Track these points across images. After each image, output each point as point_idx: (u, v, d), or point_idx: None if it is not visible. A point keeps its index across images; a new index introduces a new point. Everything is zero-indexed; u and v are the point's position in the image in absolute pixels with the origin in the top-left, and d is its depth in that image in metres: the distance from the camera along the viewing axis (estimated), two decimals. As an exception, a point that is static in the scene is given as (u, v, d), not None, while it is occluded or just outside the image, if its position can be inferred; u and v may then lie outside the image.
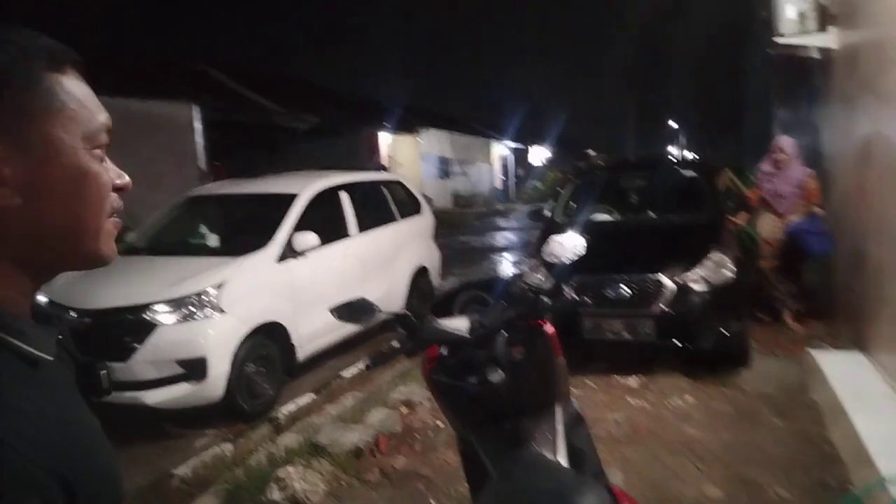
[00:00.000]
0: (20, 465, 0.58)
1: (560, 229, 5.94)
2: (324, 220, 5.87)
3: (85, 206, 0.70)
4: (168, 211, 5.83)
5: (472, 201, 25.74)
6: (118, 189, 0.75)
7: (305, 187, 5.60)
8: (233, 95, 15.91)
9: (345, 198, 5.98)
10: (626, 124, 45.46)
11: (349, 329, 5.72)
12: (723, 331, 4.52)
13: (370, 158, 19.91)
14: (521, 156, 34.79)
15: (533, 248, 5.46)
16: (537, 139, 35.81)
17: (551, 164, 35.63)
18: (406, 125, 22.04)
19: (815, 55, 5.80)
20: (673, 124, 51.54)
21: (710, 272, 4.63)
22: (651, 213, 5.82)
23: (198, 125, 12.65)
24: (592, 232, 5.71)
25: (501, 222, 20.86)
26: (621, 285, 4.65)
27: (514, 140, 33.08)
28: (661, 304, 4.54)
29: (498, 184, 31.92)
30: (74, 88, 0.70)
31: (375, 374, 5.28)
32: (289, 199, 5.39)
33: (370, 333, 6.16)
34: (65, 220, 0.69)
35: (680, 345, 4.53)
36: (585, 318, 4.70)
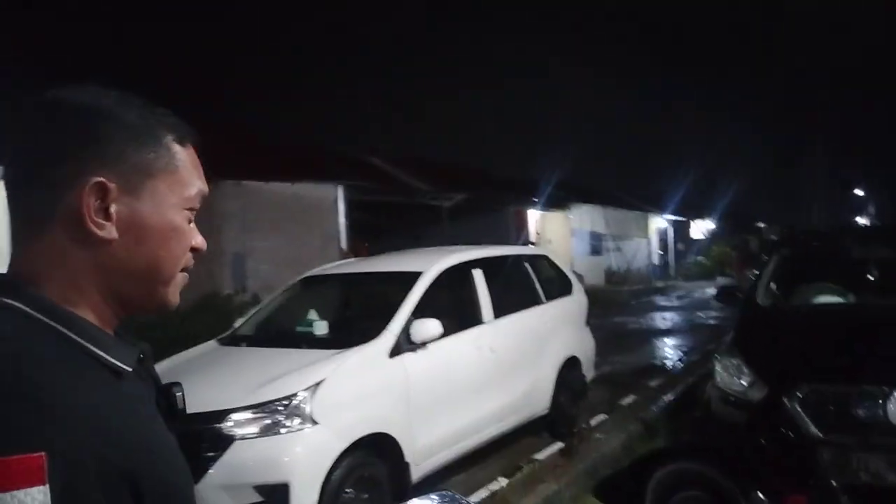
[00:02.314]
0: (89, 459, 0.63)
1: (765, 315, 4.46)
2: (453, 303, 4.87)
3: (167, 255, 0.80)
4: (280, 294, 5.15)
5: (626, 278, 23.85)
6: (194, 249, 0.84)
7: (431, 264, 4.66)
8: (379, 175, 15.98)
9: (479, 276, 4.96)
10: (801, 194, 41.02)
11: (480, 437, 4.57)
12: None
13: (518, 235, 19.15)
14: (681, 229, 32.25)
15: (730, 343, 4.00)
16: (699, 212, 33.17)
17: (715, 237, 32.69)
18: (556, 201, 21.08)
19: None
20: (859, 192, 45.87)
21: None
22: None
23: (341, 205, 12.55)
24: (820, 320, 4.20)
25: (661, 300, 18.84)
26: (883, 400, 3.08)
27: (674, 213, 30.78)
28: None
29: (656, 259, 29.60)
30: (187, 159, 0.83)
31: (513, 501, 4.03)
32: (411, 279, 4.47)
33: (506, 441, 4.96)
34: (148, 263, 0.79)
35: None
36: (824, 450, 3.15)
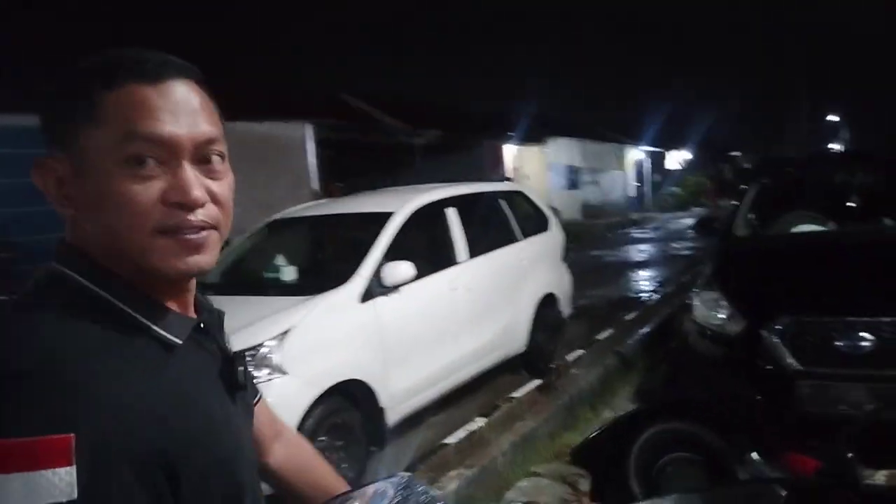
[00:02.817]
0: (120, 441, 0.62)
1: (743, 246, 4.38)
2: (426, 244, 4.71)
3: (118, 223, 0.71)
4: (245, 239, 4.94)
5: (603, 212, 23.88)
6: (178, 204, 0.72)
7: (403, 204, 4.47)
8: (350, 112, 15.49)
9: (452, 216, 4.79)
10: (775, 124, 40.97)
11: (457, 377, 4.52)
12: None
13: (494, 171, 18.88)
14: (657, 160, 32.20)
15: (708, 276, 3.91)
16: (675, 142, 33.04)
17: (691, 168, 32.72)
18: (532, 135, 20.76)
19: None
20: (833, 118, 45.98)
21: None
22: (892, 221, 4.06)
23: (311, 144, 12.17)
24: (799, 250, 4.12)
25: (637, 233, 18.92)
26: (865, 333, 3.03)
27: (650, 144, 30.61)
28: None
29: (632, 192, 29.63)
30: (121, 101, 0.71)
31: (491, 439, 4.00)
32: (381, 220, 4.28)
33: (483, 380, 4.92)
34: (109, 235, 0.72)
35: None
36: (803, 382, 3.12)
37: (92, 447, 0.60)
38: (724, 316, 3.52)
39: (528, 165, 21.05)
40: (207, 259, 0.76)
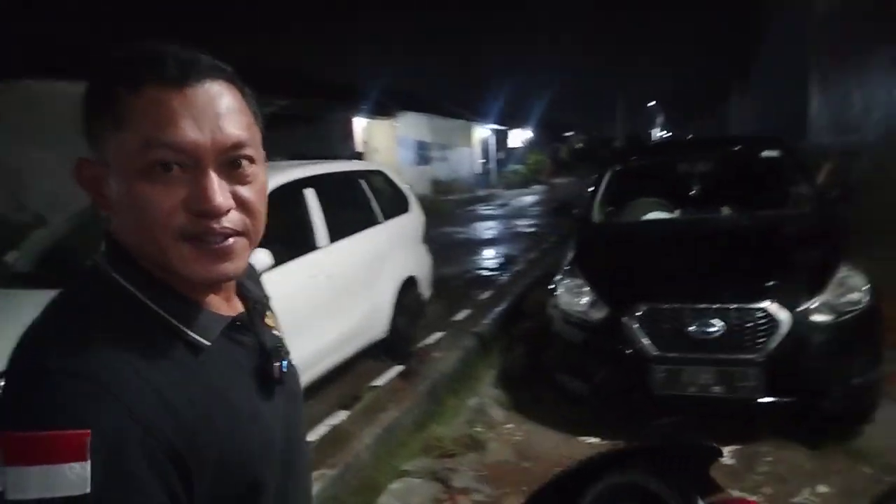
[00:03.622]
0: (136, 438, 0.63)
1: (601, 233, 4.55)
2: (284, 228, 4.36)
3: (140, 227, 0.72)
4: (68, 220, 4.27)
5: (452, 188, 24.31)
6: (201, 212, 0.71)
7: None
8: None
9: (311, 197, 4.48)
10: (608, 106, 44.20)
11: (319, 368, 4.28)
12: (857, 380, 3.16)
13: (344, 144, 18.39)
14: (502, 138, 33.36)
15: (570, 262, 4.00)
16: (518, 121, 34.43)
17: (532, 146, 34.32)
18: (382, 109, 20.45)
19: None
20: (653, 104, 50.52)
21: (838, 296, 3.24)
22: (729, 209, 4.40)
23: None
24: (652, 237, 4.34)
25: (484, 209, 19.49)
26: (712, 319, 3.24)
27: (495, 122, 31.59)
28: (772, 346, 3.14)
29: (479, 168, 30.48)
30: (144, 105, 0.70)
31: (354, 433, 3.84)
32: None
33: (344, 368, 4.73)
34: (135, 238, 0.74)
35: (799, 403, 3.16)
36: (657, 366, 3.29)
37: (107, 444, 0.62)
38: (586, 302, 3.62)
39: (378, 139, 20.77)
40: (233, 267, 0.75)
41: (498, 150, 32.89)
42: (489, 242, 12.53)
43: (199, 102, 0.71)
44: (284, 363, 0.85)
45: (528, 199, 22.14)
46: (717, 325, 3.22)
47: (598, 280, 3.65)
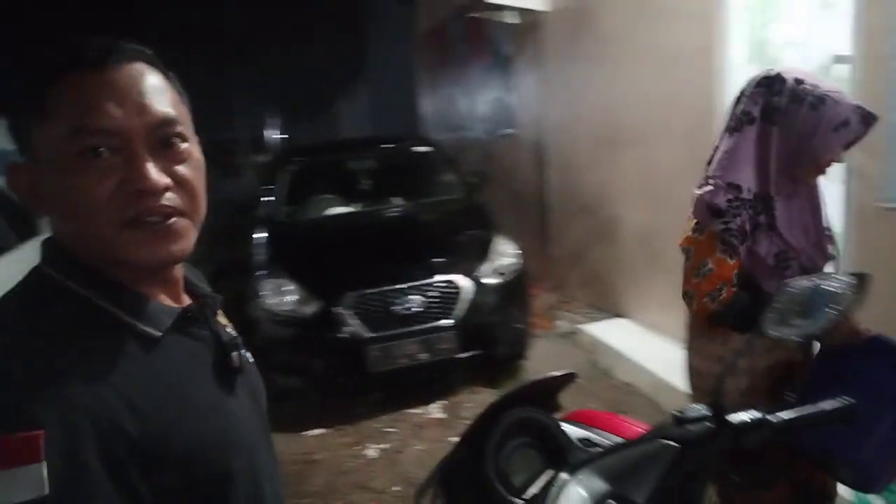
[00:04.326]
0: (90, 435, 0.61)
1: (291, 232, 4.57)
2: None
3: (74, 218, 0.70)
4: None
5: None
6: (138, 193, 0.69)
7: None
8: None
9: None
10: (225, 109, 42.96)
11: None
12: (518, 326, 3.96)
13: None
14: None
15: (267, 264, 3.98)
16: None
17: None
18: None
19: (512, 19, 5.61)
20: (267, 104, 50.91)
21: (501, 263, 3.97)
22: (399, 199, 4.89)
23: None
24: (341, 231, 4.54)
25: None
26: (411, 296, 3.65)
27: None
28: (461, 311, 3.70)
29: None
30: (66, 91, 0.68)
31: None
32: None
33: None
34: (76, 232, 0.71)
35: (485, 354, 3.79)
36: (370, 347, 3.57)
37: (61, 443, 0.60)
38: (294, 300, 3.68)
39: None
40: (179, 248, 0.73)
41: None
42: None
43: (122, 84, 0.70)
44: (244, 353, 0.85)
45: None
46: (416, 301, 3.65)
47: (302, 277, 3.74)
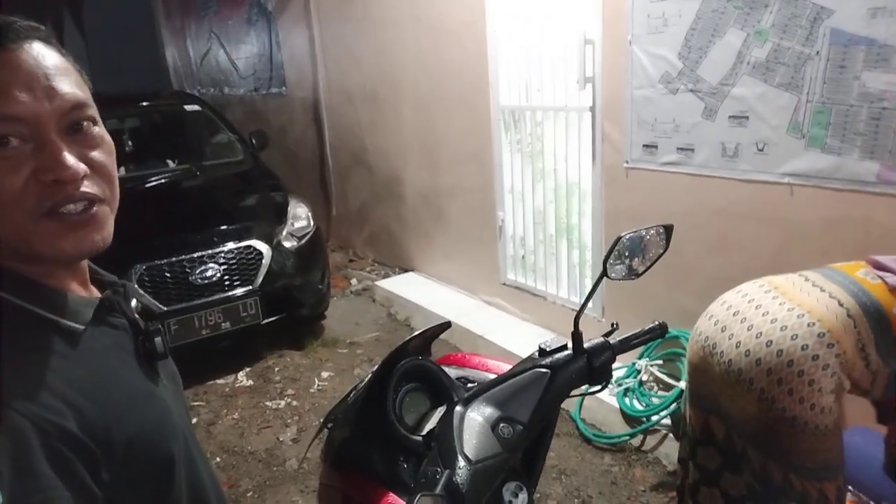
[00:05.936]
0: (26, 428, 0.60)
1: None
2: None
3: None
4: None
5: None
6: (54, 181, 0.66)
7: None
8: None
9: None
10: None
11: None
12: (319, 287, 4.05)
13: None
14: None
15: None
16: None
17: None
18: None
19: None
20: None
21: (297, 226, 3.98)
22: (174, 163, 4.52)
23: None
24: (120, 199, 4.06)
25: None
26: (210, 264, 3.51)
27: None
28: (261, 276, 3.66)
29: None
30: None
31: None
32: None
33: None
34: None
35: (288, 317, 3.83)
36: (171, 320, 3.38)
37: (6, 451, 0.58)
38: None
39: None
40: (101, 237, 0.71)
41: None
42: None
43: (25, 66, 0.65)
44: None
45: None
46: (214, 269, 3.52)
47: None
